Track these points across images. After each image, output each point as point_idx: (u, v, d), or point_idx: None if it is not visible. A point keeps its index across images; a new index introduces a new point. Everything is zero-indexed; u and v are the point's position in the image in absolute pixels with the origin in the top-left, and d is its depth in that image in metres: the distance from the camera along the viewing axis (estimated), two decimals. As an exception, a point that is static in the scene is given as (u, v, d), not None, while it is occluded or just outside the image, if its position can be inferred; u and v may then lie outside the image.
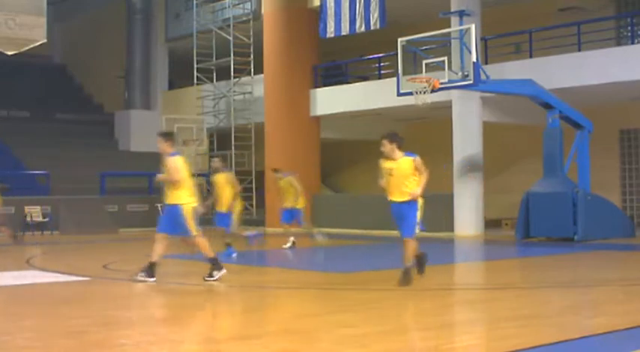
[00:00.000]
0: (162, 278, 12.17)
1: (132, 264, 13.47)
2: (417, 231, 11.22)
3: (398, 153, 11.17)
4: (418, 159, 11.17)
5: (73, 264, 15.58)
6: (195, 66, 30.75)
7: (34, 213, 25.76)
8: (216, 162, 16.48)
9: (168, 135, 12.30)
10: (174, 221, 11.82)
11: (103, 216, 26.76)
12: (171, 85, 35.68)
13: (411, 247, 11.22)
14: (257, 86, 29.62)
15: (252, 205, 29.25)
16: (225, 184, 16.21)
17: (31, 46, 28.41)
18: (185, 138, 28.63)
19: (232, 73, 30.07)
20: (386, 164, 11.25)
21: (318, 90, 28.31)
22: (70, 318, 8.97)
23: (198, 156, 30.84)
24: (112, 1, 36.39)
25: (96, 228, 25.55)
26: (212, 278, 11.89)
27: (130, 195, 27.52)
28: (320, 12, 25.94)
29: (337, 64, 30.61)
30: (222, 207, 16.30)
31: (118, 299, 10.86)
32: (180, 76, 34.16)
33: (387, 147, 11.16)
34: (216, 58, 30.38)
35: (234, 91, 30.32)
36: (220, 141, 31.13)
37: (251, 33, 29.84)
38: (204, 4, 31.48)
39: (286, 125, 27.96)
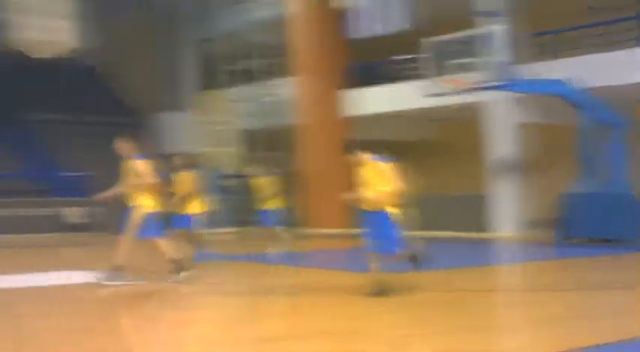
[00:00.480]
0: (204, 281, 12.26)
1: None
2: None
3: (365, 158, 10.44)
4: (384, 164, 10.32)
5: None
6: (227, 68, 30.79)
7: (73, 214, 26.02)
8: (178, 160, 15.51)
9: (129, 137, 12.35)
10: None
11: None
12: (204, 87, 35.80)
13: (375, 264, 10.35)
14: (289, 88, 29.65)
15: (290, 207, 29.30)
16: (186, 184, 15.24)
17: (65, 49, 28.76)
18: (217, 140, 28.75)
19: (264, 75, 30.08)
20: (359, 169, 10.52)
21: (350, 90, 28.31)
22: (119, 317, 9.10)
23: (231, 158, 30.94)
24: (145, 3, 36.54)
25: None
26: (108, 282, 11.84)
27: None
28: (351, 12, 25.92)
29: (369, 64, 30.61)
30: (184, 209, 15.20)
31: (162, 299, 10.98)
32: (214, 77, 34.29)
33: (354, 158, 10.47)
34: (248, 60, 30.41)
35: (267, 93, 30.35)
36: (253, 143, 31.20)
37: (283, 34, 29.85)
38: (235, 6, 31.55)
39: (319, 126, 27.97)
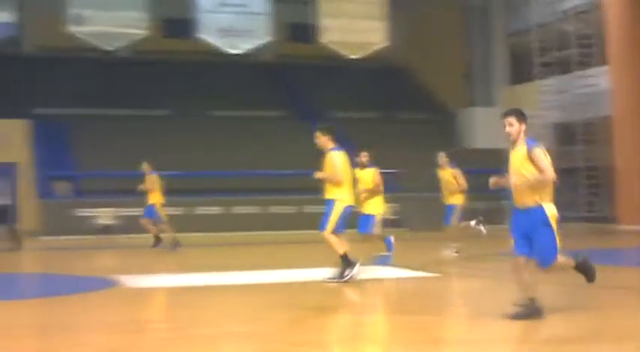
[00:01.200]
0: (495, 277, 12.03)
1: (476, 262, 13.48)
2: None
3: (521, 139, 8.62)
4: (538, 150, 8.45)
5: (421, 260, 15.86)
6: (536, 60, 30.19)
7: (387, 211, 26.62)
8: (363, 157, 14.72)
9: (326, 130, 11.96)
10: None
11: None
12: (513, 80, 35.38)
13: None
14: (602, 78, 28.51)
15: (597, 202, 28.26)
16: (370, 182, 14.48)
17: (374, 49, 29.59)
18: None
19: (575, 66, 29.18)
20: (511, 154, 8.73)
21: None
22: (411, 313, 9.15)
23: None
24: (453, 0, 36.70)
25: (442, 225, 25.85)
26: (342, 279, 11.56)
27: (475, 193, 27.44)
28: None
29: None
30: (364, 208, 14.51)
31: (464, 295, 10.91)
32: (522, 70, 33.76)
33: (517, 128, 8.63)
34: (557, 51, 29.66)
35: (581, 84, 29.37)
36: (564, 136, 30.35)
37: (593, 23, 28.78)
38: (547, -4, 30.85)
39: (636, 117, 26.65)
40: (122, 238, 23.38)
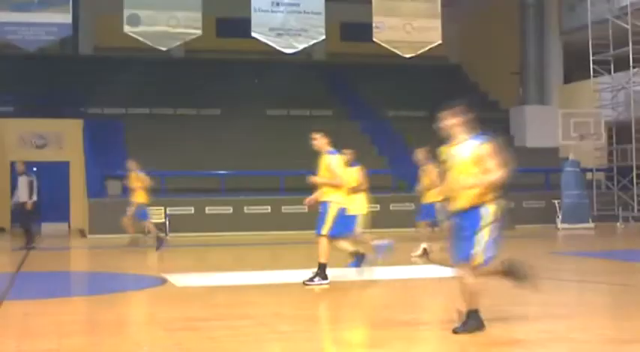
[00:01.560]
0: (556, 275, 11.89)
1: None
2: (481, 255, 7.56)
3: (461, 134, 7.83)
4: (487, 146, 7.63)
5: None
6: (591, 58, 29.75)
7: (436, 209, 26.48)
8: (347, 155, 13.70)
9: (323, 132, 11.82)
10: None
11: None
12: (567, 79, 34.92)
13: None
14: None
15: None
16: (353, 180, 13.63)
17: (428, 48, 29.37)
18: (582, 132, 27.86)
19: (631, 64, 28.71)
20: (446, 149, 7.92)
21: None
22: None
23: (596, 151, 29.81)
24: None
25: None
26: (312, 283, 11.44)
27: (526, 192, 27.18)
28: None
29: None
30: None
31: (513, 294, 10.76)
32: (576, 68, 33.31)
33: (448, 122, 7.93)
34: (613, 49, 29.19)
35: (634, 82, 28.93)
36: (620, 134, 29.89)
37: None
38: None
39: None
40: (172, 237, 23.44)
